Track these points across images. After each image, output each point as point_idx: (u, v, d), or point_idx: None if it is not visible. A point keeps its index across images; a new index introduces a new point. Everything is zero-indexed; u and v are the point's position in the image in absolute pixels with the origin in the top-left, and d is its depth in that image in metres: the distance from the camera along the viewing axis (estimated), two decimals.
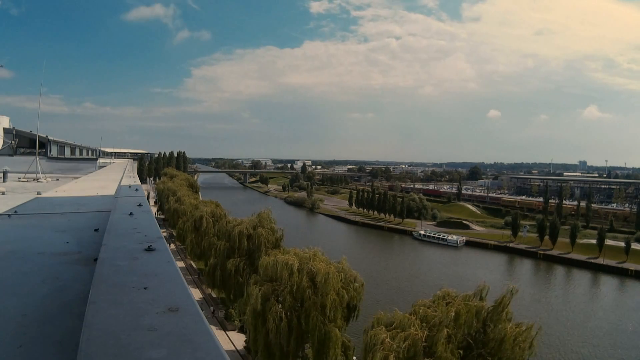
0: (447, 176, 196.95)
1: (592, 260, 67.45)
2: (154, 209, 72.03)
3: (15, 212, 6.05)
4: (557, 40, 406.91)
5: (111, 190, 9.06)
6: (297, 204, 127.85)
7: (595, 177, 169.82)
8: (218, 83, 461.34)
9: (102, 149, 54.66)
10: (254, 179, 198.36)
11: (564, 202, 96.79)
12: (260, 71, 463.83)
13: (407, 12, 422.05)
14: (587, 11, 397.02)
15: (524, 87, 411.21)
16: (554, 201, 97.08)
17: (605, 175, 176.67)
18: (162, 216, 67.41)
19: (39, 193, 9.12)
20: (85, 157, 41.52)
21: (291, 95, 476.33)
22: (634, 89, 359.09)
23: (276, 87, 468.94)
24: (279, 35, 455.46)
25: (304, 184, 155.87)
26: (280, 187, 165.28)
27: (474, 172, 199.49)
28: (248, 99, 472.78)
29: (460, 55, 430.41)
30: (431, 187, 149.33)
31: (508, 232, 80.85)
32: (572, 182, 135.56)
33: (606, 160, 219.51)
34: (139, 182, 11.69)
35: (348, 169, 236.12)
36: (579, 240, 72.46)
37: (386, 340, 16.01)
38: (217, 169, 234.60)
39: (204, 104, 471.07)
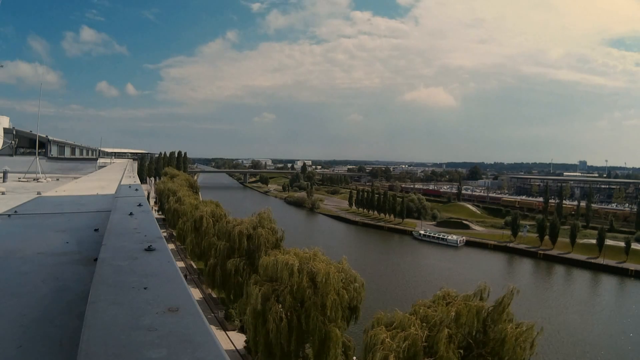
0: (447, 176, 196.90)
1: (592, 260, 67.47)
2: (154, 209, 72.06)
3: (15, 212, 6.05)
4: (508, 38, 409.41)
5: (111, 190, 9.06)
6: (297, 204, 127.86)
7: (595, 177, 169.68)
8: (191, 85, 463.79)
9: (102, 149, 54.72)
10: (254, 179, 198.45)
11: (564, 202, 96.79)
12: (226, 72, 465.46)
13: (351, 10, 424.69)
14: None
15: (498, 85, 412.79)
16: (554, 201, 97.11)
17: (605, 175, 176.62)
18: (162, 216, 67.42)
19: (39, 193, 9.12)
20: (85, 157, 41.53)
21: (261, 96, 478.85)
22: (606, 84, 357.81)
23: (244, 88, 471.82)
24: (236, 38, 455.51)
25: (304, 184, 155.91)
26: (280, 187, 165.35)
27: (474, 172, 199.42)
28: (225, 100, 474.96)
29: (419, 52, 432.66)
30: (431, 187, 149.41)
31: (508, 232, 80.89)
32: (572, 182, 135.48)
33: (606, 160, 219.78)
34: (139, 182, 11.69)
35: (348, 169, 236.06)
36: (579, 240, 72.49)
37: (386, 340, 16.01)
38: (217, 169, 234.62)
39: (185, 105, 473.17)
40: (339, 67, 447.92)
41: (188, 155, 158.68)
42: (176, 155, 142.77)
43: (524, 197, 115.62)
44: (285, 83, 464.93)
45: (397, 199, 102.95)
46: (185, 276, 45.45)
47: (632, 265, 63.68)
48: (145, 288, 1.99)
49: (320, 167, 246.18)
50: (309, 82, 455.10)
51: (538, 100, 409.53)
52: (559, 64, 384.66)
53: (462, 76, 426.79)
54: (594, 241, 70.48)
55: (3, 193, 9.47)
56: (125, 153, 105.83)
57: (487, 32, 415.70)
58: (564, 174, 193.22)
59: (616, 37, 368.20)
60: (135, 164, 50.54)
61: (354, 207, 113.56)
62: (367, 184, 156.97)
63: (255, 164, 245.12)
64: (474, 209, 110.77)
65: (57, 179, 15.63)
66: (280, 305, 21.66)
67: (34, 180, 14.13)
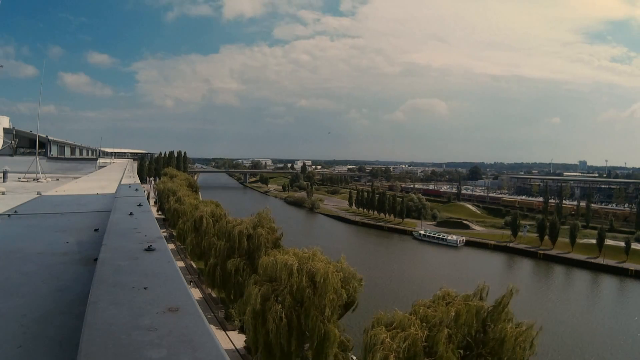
0: (447, 176, 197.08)
1: (592, 260, 67.46)
2: (154, 209, 72.03)
3: (15, 212, 6.05)
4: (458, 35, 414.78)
5: (111, 190, 9.07)
6: (297, 204, 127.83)
7: (595, 177, 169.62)
8: (168, 87, 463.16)
9: (102, 149, 54.77)
10: (254, 179, 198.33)
11: (564, 202, 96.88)
12: (199, 74, 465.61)
13: (297, 9, 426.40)
14: None
15: (469, 84, 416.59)
16: (554, 201, 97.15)
17: (605, 175, 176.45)
18: (162, 216, 67.41)
19: (39, 193, 9.13)
20: (85, 157, 41.59)
21: (235, 99, 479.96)
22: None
23: (219, 91, 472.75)
24: (197, 42, 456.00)
25: (304, 184, 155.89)
26: (280, 187, 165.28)
27: (474, 172, 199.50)
28: (205, 101, 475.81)
29: (377, 51, 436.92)
30: (431, 187, 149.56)
31: (508, 232, 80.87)
32: (572, 182, 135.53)
33: (606, 160, 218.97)
34: (139, 182, 11.71)
35: (348, 169, 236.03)
36: (579, 240, 72.46)
37: (386, 340, 16.01)
38: (217, 169, 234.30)
39: (168, 106, 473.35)
40: (304, 68, 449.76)
41: (188, 155, 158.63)
42: (176, 155, 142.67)
43: (524, 197, 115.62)
44: (257, 86, 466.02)
45: (397, 199, 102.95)
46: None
47: (632, 265, 63.66)
48: (145, 288, 2.00)
49: (320, 167, 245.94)
50: (280, 83, 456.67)
51: (515, 99, 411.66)
52: (518, 63, 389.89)
53: (430, 74, 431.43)
54: (594, 241, 70.46)
55: (3, 193, 9.46)
56: (125, 153, 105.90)
57: (434, 32, 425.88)
58: (564, 174, 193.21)
59: (576, 29, 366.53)
60: (135, 164, 50.57)
61: (353, 207, 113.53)
62: (367, 184, 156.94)
63: (255, 164, 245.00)
64: (474, 209, 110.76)
65: (57, 179, 15.63)
66: (279, 305, 21.65)
67: (34, 180, 14.13)
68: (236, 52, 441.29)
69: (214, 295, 39.40)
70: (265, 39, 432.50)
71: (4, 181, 13.73)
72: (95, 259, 2.82)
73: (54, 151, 30.75)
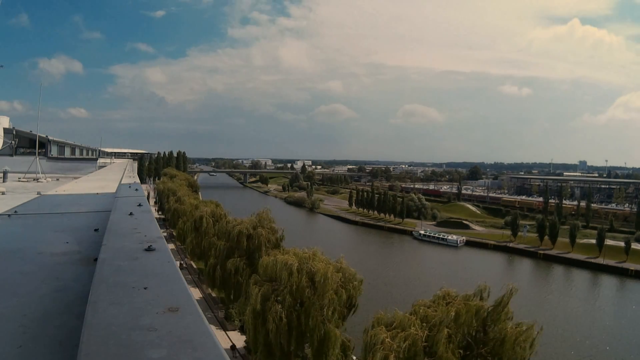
0: (447, 176, 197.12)
1: (592, 260, 67.43)
2: (154, 209, 72.03)
3: (15, 212, 6.05)
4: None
5: (111, 190, 9.06)
6: (297, 203, 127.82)
7: (595, 177, 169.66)
8: (146, 88, 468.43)
9: (102, 149, 54.77)
10: (254, 179, 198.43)
11: (564, 202, 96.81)
12: (175, 77, 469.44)
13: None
14: None
15: (452, 83, 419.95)
16: (554, 201, 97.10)
17: (605, 175, 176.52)
18: (162, 216, 67.42)
19: (39, 193, 9.13)
20: (85, 157, 41.60)
21: (219, 100, 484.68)
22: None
23: (202, 92, 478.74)
24: (166, 46, 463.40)
25: (304, 184, 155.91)
26: (280, 187, 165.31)
27: (474, 172, 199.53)
28: (189, 101, 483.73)
29: (340, 50, 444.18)
30: (431, 187, 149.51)
31: (508, 232, 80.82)
32: (572, 182, 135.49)
33: (606, 160, 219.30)
34: (139, 182, 11.71)
35: (348, 169, 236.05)
36: (579, 240, 72.42)
37: (386, 340, 16.00)
38: (217, 169, 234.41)
39: (152, 107, 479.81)
40: (275, 68, 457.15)
41: (188, 155, 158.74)
42: (175, 155, 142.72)
43: (524, 197, 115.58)
44: (238, 86, 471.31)
45: (397, 199, 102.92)
46: (181, 265, 45.47)
47: (632, 265, 63.64)
48: (145, 288, 2.00)
49: (320, 167, 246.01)
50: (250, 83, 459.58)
51: (494, 99, 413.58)
52: (484, 59, 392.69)
53: (388, 73, 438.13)
54: (593, 241, 70.42)
55: (3, 193, 9.46)
56: (125, 153, 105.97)
57: (388, 33, 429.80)
58: (564, 174, 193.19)
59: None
60: (135, 164, 50.55)
61: (354, 207, 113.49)
62: (367, 184, 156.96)
63: (255, 164, 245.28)
64: (474, 209, 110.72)
65: (57, 179, 15.62)
66: (280, 305, 21.64)
67: (34, 180, 14.12)
68: (202, 55, 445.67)
69: (214, 295, 39.40)
70: (222, 39, 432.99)
71: (4, 181, 13.73)
72: (95, 259, 2.82)
73: (54, 151, 30.76)
